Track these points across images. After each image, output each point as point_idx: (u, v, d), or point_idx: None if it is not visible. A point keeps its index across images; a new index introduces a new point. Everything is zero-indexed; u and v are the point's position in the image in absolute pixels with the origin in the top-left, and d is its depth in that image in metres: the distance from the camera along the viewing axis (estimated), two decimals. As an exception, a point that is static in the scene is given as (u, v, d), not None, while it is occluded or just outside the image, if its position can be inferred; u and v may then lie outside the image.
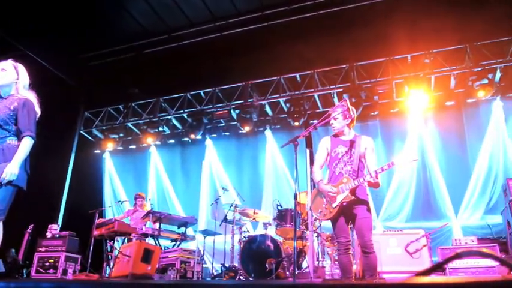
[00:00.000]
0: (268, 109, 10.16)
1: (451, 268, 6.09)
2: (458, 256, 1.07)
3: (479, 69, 8.41)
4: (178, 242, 7.65)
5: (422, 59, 8.80)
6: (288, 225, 6.90)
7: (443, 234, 8.27)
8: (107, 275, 7.06)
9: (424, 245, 6.33)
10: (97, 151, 11.48)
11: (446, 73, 8.76)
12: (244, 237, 7.14)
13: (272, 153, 10.10)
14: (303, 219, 7.01)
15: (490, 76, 8.39)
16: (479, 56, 8.48)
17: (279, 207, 7.26)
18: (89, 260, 7.17)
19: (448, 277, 5.92)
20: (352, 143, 4.42)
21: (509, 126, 8.68)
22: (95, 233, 7.46)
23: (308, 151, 6.66)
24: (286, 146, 4.46)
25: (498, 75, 8.47)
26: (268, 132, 10.31)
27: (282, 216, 7.06)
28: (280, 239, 6.96)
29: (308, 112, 9.56)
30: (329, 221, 4.36)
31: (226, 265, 7.08)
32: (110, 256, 7.30)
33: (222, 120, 10.48)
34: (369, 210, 4.25)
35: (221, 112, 9.99)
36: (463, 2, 7.62)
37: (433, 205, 8.69)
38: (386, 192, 9.01)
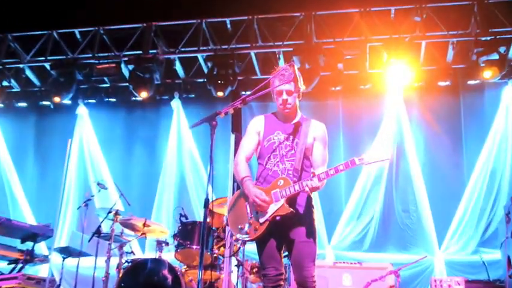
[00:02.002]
0: (179, 68, 10.08)
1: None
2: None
3: (489, 38, 8.72)
4: (20, 265, 7.41)
5: (410, 16, 9.00)
6: (194, 247, 6.87)
7: (421, 271, 8.56)
8: None
9: (391, 286, 6.53)
10: None
11: (442, 39, 9.02)
12: (127, 261, 7.05)
13: (179, 136, 10.04)
14: (218, 238, 7.02)
15: (502, 50, 8.72)
16: (491, 20, 8.80)
17: (183, 219, 7.24)
18: None
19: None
20: (296, 129, 4.48)
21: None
22: None
23: (234, 136, 6.70)
24: (201, 127, 4.38)
25: (514, 49, 8.90)
26: (176, 104, 10.22)
27: (187, 233, 7.05)
28: (182, 267, 6.92)
29: (239, 78, 9.56)
30: (254, 242, 4.38)
31: (95, 304, 6.96)
32: None
33: (105, 79, 10.31)
34: (313, 230, 4.29)
35: (105, 65, 9.75)
36: None
37: (407, 228, 8.97)
38: (344, 206, 9.19)
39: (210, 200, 4.14)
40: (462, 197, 8.93)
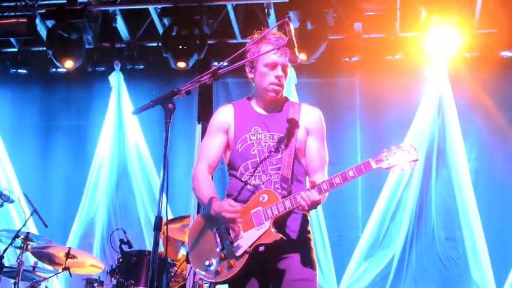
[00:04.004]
0: (121, 26, 10.14)
1: None
2: None
3: None
4: None
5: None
6: (141, 289, 6.80)
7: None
8: None
9: None
10: None
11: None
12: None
13: (120, 125, 10.19)
14: (177, 275, 7.25)
15: None
16: None
17: (125, 247, 7.33)
18: None
19: None
20: (281, 121, 4.65)
21: None
22: None
23: (200, 127, 7.02)
24: (151, 112, 4.45)
25: None
26: (116, 78, 10.38)
27: (131, 268, 7.16)
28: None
29: (210, 42, 9.63)
30: (227, 284, 4.49)
31: None
32: None
33: (12, 41, 10.36)
34: (312, 264, 4.45)
35: (12, 21, 9.79)
36: None
37: (452, 264, 8.97)
38: (360, 231, 9.19)
39: (164, 219, 4.05)
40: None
